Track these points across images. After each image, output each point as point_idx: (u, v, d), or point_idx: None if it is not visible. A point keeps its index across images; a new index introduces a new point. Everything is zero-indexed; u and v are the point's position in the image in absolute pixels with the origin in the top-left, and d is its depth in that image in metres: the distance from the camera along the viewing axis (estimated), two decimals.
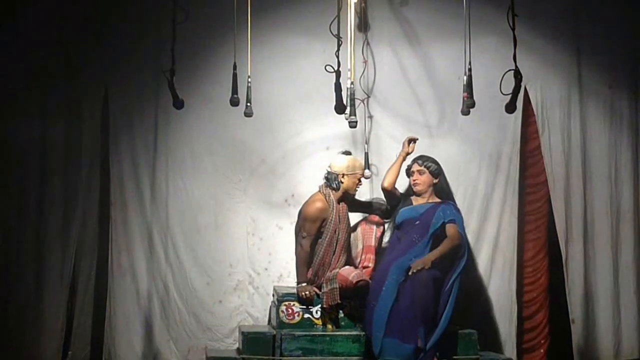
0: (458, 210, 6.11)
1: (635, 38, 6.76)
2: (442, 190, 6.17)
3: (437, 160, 6.17)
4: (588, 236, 6.60)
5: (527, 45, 6.16)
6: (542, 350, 6.61)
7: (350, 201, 6.14)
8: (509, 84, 4.90)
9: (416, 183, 6.13)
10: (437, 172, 6.14)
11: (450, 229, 5.94)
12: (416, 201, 6.15)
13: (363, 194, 6.37)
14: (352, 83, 5.06)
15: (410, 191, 6.24)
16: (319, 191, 6.06)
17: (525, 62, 5.72)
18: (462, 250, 5.88)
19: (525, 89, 6.49)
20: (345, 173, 6.04)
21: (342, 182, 6.03)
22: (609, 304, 6.58)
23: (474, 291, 6.48)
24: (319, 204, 5.97)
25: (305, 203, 6.07)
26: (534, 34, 6.47)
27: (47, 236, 6.20)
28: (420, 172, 6.13)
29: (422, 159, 6.15)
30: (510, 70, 4.86)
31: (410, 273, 5.66)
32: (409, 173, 6.20)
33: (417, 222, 5.99)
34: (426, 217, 5.99)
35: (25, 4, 6.24)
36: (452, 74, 6.32)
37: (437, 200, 6.13)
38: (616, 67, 6.73)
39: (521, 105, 6.45)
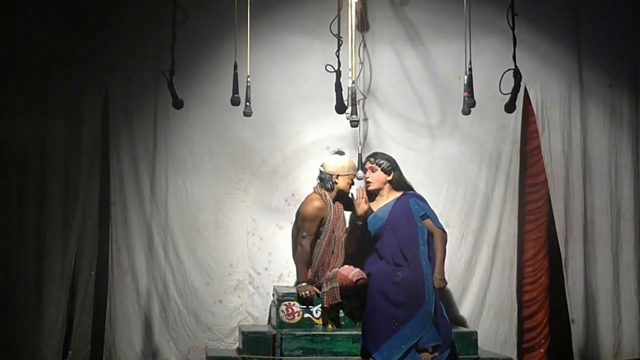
0: (425, 201, 6.01)
1: (636, 38, 6.77)
2: (398, 183, 6.04)
3: (392, 156, 6.06)
4: (588, 236, 6.60)
5: (527, 45, 6.16)
6: (542, 350, 6.61)
7: (344, 200, 6.13)
8: (509, 83, 4.90)
9: (368, 181, 6.03)
10: (389, 168, 6.01)
11: (428, 225, 5.87)
12: (375, 205, 6.00)
13: None
14: (353, 82, 5.05)
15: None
16: (314, 192, 6.05)
17: (525, 62, 5.72)
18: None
19: (526, 88, 6.49)
20: (340, 174, 6.02)
21: (337, 183, 6.02)
22: (609, 303, 6.58)
23: (473, 291, 6.49)
24: (317, 203, 5.95)
25: (303, 203, 6.06)
26: (534, 33, 6.48)
27: (47, 236, 6.20)
28: (372, 170, 6.03)
29: (375, 156, 6.06)
30: (509, 69, 4.86)
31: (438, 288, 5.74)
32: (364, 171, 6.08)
33: (388, 227, 5.90)
34: (398, 215, 5.90)
35: (25, 3, 6.24)
36: (452, 74, 6.32)
37: (397, 194, 6.02)
38: (616, 67, 6.73)
39: (521, 105, 6.45)
